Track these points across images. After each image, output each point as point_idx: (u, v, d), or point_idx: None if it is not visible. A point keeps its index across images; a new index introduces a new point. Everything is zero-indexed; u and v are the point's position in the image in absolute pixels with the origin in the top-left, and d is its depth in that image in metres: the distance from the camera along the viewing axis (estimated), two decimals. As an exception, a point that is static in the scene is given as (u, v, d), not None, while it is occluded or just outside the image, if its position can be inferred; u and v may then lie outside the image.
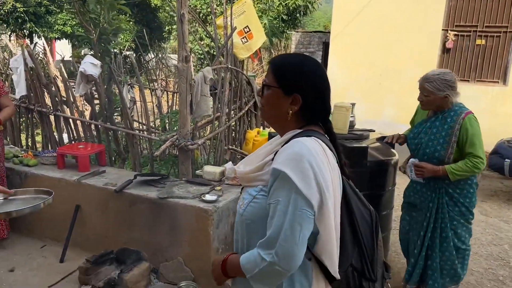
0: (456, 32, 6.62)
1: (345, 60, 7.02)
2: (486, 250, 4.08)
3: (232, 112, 4.74)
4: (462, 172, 2.73)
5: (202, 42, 11.41)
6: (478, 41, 6.54)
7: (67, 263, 3.55)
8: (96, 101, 4.45)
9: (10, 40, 14.76)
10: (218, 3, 11.28)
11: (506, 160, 4.95)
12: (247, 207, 1.40)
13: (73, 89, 4.48)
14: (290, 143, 1.33)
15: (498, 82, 6.62)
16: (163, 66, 8.89)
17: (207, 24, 10.65)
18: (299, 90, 1.38)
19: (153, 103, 6.73)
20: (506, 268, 3.79)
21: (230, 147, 4.14)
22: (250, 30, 4.77)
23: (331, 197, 1.30)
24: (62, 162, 3.95)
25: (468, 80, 6.75)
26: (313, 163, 1.26)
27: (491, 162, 5.18)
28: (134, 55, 13.19)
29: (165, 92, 6.66)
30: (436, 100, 2.78)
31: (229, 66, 4.35)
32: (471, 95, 6.40)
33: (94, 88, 4.13)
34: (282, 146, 1.37)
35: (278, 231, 1.25)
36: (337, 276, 1.34)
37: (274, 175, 1.30)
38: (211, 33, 4.78)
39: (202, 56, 11.05)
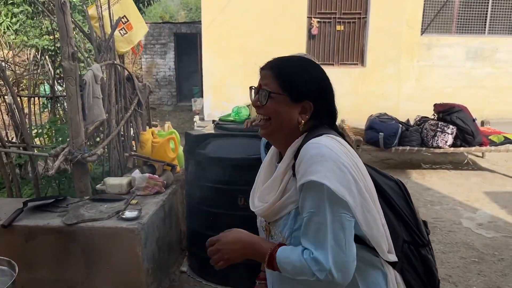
0: (319, 19, 7.07)
1: (220, 50, 6.91)
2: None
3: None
4: None
5: (50, 37, 9.98)
6: (338, 27, 7.11)
7: None
8: None
9: None
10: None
11: (380, 133, 5.51)
12: (291, 240, 1.26)
13: None
14: (305, 148, 1.21)
15: (357, 64, 7.32)
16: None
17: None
18: (309, 97, 1.27)
19: (1, 111, 5.61)
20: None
21: (133, 152, 3.67)
22: (128, 20, 4.27)
23: (366, 187, 1.23)
24: None
25: (333, 64, 7.31)
26: (337, 161, 1.17)
27: (367, 137, 5.71)
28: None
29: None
30: None
31: (115, 62, 3.83)
32: (336, 78, 6.85)
33: None
34: (294, 157, 1.25)
35: (325, 248, 1.14)
36: (395, 259, 1.30)
37: (302, 188, 1.19)
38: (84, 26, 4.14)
39: (53, 53, 9.68)
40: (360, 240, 1.24)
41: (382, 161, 6.47)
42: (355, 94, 6.89)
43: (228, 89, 6.62)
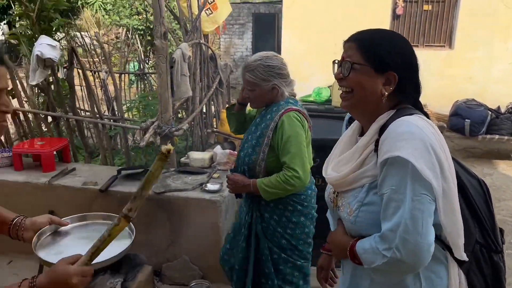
0: (404, -1, 6.78)
1: (299, 30, 6.88)
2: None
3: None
4: (273, 189, 2.05)
5: (140, 17, 10.59)
6: (426, 7, 6.75)
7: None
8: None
9: None
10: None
11: (466, 120, 5.21)
12: (358, 213, 1.25)
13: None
14: (394, 125, 1.18)
15: (444, 46, 6.92)
16: (77, 45, 8.05)
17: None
18: (393, 68, 1.23)
19: (96, 87, 6.09)
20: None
21: (215, 129, 3.83)
22: (214, 1, 4.40)
23: (453, 178, 1.18)
24: (20, 163, 3.38)
25: (418, 45, 6.98)
26: (426, 142, 1.13)
27: (451, 123, 5.43)
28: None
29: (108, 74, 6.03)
30: (263, 94, 2.15)
31: (201, 42, 3.99)
32: (420, 60, 6.55)
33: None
34: (378, 132, 1.22)
35: (396, 223, 1.11)
36: (465, 258, 1.24)
37: (385, 163, 1.15)
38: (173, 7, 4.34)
39: (142, 32, 10.26)
40: None
41: (466, 149, 6.10)
42: (440, 77, 6.52)
43: (305, 69, 6.57)
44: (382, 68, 1.23)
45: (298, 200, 2.18)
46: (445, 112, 5.79)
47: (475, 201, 1.31)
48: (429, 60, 6.61)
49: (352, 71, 1.26)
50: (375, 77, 1.24)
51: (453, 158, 1.31)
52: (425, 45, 6.91)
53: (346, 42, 1.31)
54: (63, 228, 1.43)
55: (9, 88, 3.78)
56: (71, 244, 1.33)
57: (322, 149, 2.72)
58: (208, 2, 4.34)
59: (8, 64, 3.63)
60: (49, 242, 1.37)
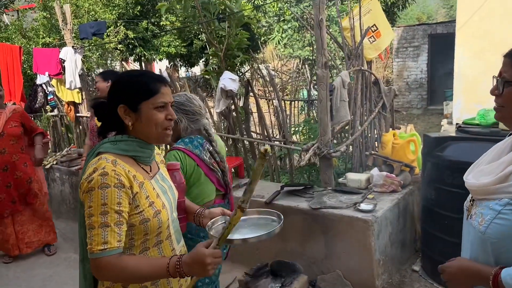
0: None
1: (474, 49, 6.42)
2: None
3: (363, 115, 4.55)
4: None
5: (310, 48, 11.39)
6: None
7: (222, 275, 3.61)
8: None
9: (122, 65, 16.12)
10: (327, 6, 11.18)
11: None
12: (490, 224, 1.25)
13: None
14: None
15: None
16: (259, 76, 8.96)
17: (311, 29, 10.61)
18: None
19: (270, 113, 6.77)
20: None
21: (373, 152, 3.94)
22: (377, 29, 4.55)
23: None
24: (206, 177, 4.08)
25: None
26: None
27: None
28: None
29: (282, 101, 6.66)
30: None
31: (362, 68, 4.18)
32: None
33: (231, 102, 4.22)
34: None
35: None
36: None
37: None
38: (337, 36, 4.64)
39: (311, 62, 11.00)
40: None
41: None
42: None
43: (481, 91, 6.05)
44: None
45: None
46: None
47: None
48: None
49: (506, 88, 1.25)
50: None
51: None
52: None
53: (505, 56, 1.29)
54: None
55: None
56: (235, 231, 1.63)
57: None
58: (371, 30, 4.51)
59: (170, 84, 4.46)
60: (221, 227, 1.75)
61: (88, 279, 1.50)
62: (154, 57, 18.29)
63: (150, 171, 1.53)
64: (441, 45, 13.49)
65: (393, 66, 14.76)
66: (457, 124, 3.36)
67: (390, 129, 4.60)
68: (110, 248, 1.32)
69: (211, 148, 2.31)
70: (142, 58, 18.63)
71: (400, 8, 16.99)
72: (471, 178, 1.38)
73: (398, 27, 14.78)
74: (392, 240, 3.21)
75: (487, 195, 1.28)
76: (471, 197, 1.41)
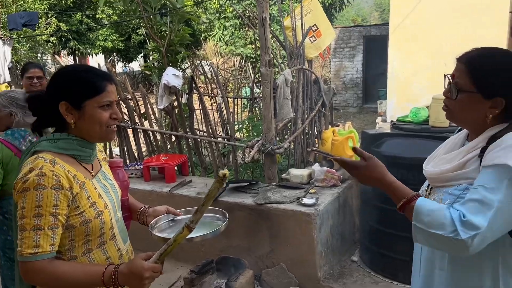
0: (525, 13, 6.34)
1: (406, 51, 6.84)
2: None
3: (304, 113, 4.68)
4: None
5: (252, 46, 11.48)
6: (551, 20, 6.24)
7: (166, 274, 3.58)
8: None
9: (54, 59, 15.31)
10: (271, 4, 11.30)
11: None
12: None
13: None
14: (507, 136, 1.26)
15: None
16: (201, 73, 8.92)
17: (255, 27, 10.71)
18: (502, 94, 1.28)
19: (213, 110, 6.75)
20: None
21: (314, 148, 4.07)
22: (318, 28, 4.70)
23: None
24: (148, 175, 4.01)
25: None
26: None
27: None
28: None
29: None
30: (1, 118, 2.48)
31: (303, 67, 4.29)
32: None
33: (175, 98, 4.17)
34: (487, 141, 1.30)
35: (485, 219, 1.18)
36: None
37: (489, 167, 1.23)
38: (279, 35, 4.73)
39: (254, 60, 11.08)
40: None
41: None
42: None
43: (412, 91, 6.49)
44: (491, 94, 1.28)
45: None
46: None
47: None
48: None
49: (459, 95, 1.31)
50: (481, 103, 1.29)
51: None
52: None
53: (458, 60, 1.34)
54: (177, 217, 1.78)
55: (143, 111, 4.54)
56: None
57: (414, 167, 2.80)
58: (312, 30, 4.65)
59: (117, 82, 4.36)
60: (165, 226, 1.73)
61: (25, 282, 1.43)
62: (89, 51, 17.56)
63: (92, 170, 1.48)
64: (375, 46, 14.17)
65: (331, 65, 15.29)
66: (392, 121, 3.56)
67: (330, 126, 4.78)
68: (42, 252, 1.27)
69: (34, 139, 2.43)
70: (76, 52, 17.81)
71: (337, 10, 17.64)
72: (430, 167, 1.47)
73: (336, 28, 15.31)
74: (333, 233, 3.35)
75: (447, 181, 1.37)
76: (428, 186, 1.51)
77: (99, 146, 1.61)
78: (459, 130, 1.54)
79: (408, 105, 4.46)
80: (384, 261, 3.26)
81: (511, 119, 1.32)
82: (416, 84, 6.55)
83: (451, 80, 1.36)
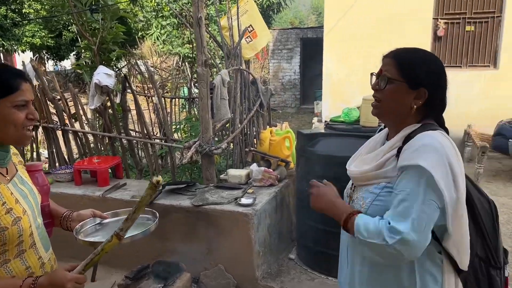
0: (446, 20, 6.78)
1: (340, 54, 7.08)
2: (507, 229, 4.20)
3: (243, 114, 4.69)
4: None
5: (190, 46, 11.32)
6: (468, 28, 6.73)
7: (99, 281, 3.42)
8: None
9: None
10: (207, 5, 11.19)
11: (510, 140, 5.11)
12: (370, 205, 1.41)
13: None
14: (418, 137, 1.33)
15: (489, 66, 6.82)
16: (137, 72, 8.70)
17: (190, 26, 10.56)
18: (425, 85, 1.38)
19: (149, 111, 6.59)
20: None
21: (252, 148, 4.09)
22: (253, 29, 4.73)
23: (464, 191, 1.31)
24: (79, 178, 3.82)
25: (461, 66, 6.93)
26: (444, 156, 1.28)
27: (494, 143, 5.33)
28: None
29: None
30: None
31: (240, 68, 4.30)
32: (464, 80, 6.59)
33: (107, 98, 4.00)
34: (402, 141, 1.36)
35: (407, 223, 1.26)
36: (465, 269, 1.36)
37: (405, 169, 1.30)
38: (216, 34, 4.70)
39: (191, 60, 10.94)
40: (433, 233, 1.33)
41: (514, 171, 5.93)
42: (485, 98, 6.42)
43: (345, 92, 6.74)
44: (416, 85, 1.38)
45: None
46: (490, 132, 5.69)
47: (481, 218, 1.43)
48: (473, 81, 6.54)
49: (388, 85, 1.40)
50: (407, 92, 1.39)
51: (466, 177, 1.43)
52: (469, 66, 6.83)
53: (385, 57, 1.45)
54: (104, 220, 1.71)
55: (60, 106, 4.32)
56: (108, 233, 1.56)
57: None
58: (248, 31, 4.68)
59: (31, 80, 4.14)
60: (91, 231, 1.65)
61: None
62: (15, 47, 16.44)
63: (7, 174, 1.38)
64: (312, 48, 14.55)
65: (269, 67, 15.49)
66: (325, 121, 3.67)
67: (268, 126, 4.83)
68: None
69: None
70: (1, 48, 16.60)
71: (275, 12, 17.90)
72: (353, 167, 1.54)
73: (274, 29, 15.53)
74: (270, 232, 3.38)
75: (368, 180, 1.44)
76: (352, 185, 1.57)
77: (14, 149, 1.50)
78: (380, 130, 1.63)
79: (342, 105, 4.63)
80: (320, 258, 3.35)
81: (429, 116, 1.41)
82: (349, 85, 6.82)
83: (379, 75, 1.45)
